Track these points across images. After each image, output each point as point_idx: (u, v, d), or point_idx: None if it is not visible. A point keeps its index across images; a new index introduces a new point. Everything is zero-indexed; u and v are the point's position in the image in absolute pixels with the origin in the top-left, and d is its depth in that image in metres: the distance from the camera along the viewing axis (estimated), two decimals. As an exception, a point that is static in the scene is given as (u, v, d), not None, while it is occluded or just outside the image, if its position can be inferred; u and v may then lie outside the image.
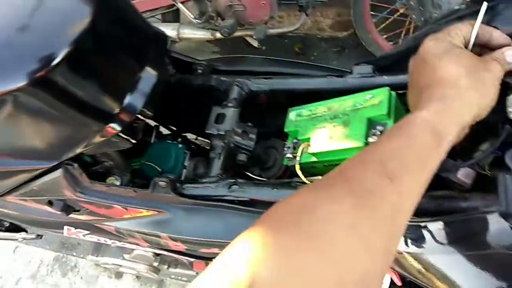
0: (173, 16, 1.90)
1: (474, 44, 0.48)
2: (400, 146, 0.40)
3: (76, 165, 0.60)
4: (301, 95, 0.71)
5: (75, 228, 0.77)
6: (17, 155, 0.58)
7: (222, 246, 0.65)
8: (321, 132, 0.63)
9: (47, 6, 0.50)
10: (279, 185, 0.61)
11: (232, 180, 0.63)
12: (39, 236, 1.04)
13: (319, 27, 2.08)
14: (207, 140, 0.77)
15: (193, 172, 0.79)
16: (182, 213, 0.64)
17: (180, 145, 0.82)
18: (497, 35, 0.48)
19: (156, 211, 0.64)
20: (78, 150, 0.56)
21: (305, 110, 0.68)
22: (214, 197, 0.63)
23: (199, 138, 0.88)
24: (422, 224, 0.49)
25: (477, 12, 0.55)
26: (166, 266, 1.08)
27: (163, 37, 0.59)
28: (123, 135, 0.55)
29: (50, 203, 0.66)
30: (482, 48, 0.49)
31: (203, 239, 0.64)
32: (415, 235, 0.50)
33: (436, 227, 0.48)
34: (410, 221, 0.44)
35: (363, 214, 0.35)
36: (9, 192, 0.66)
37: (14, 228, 0.97)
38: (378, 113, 0.59)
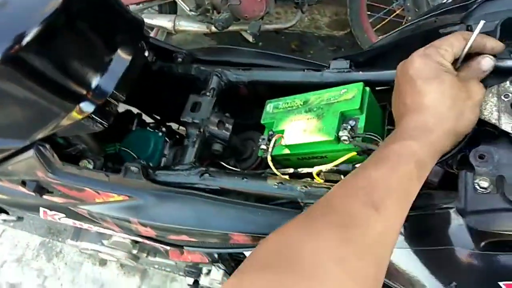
0: (170, 7, 1.90)
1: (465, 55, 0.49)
2: (386, 175, 0.41)
3: (48, 145, 0.60)
4: (281, 88, 0.71)
5: (51, 210, 0.78)
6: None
7: (191, 233, 0.65)
8: (295, 125, 0.64)
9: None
10: (249, 175, 0.62)
11: (204, 169, 0.63)
12: (20, 218, 1.04)
13: (316, 25, 2.08)
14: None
15: (172, 161, 0.79)
16: (153, 199, 0.64)
17: (160, 134, 0.82)
18: (490, 46, 0.49)
19: (127, 196, 0.64)
20: (50, 130, 0.56)
21: (282, 103, 0.69)
22: (185, 185, 0.63)
23: (181, 127, 0.88)
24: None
25: (465, 8, 0.55)
26: (145, 254, 1.08)
27: (138, 22, 0.59)
28: (94, 118, 0.55)
29: (23, 184, 0.67)
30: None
31: (173, 226, 0.64)
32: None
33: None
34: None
35: (350, 247, 0.36)
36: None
37: (-6, 209, 0.98)
38: (351, 107, 0.59)
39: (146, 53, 0.72)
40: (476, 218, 0.42)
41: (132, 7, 1.80)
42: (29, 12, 0.49)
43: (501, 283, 0.42)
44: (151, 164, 0.73)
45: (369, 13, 1.77)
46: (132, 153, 0.73)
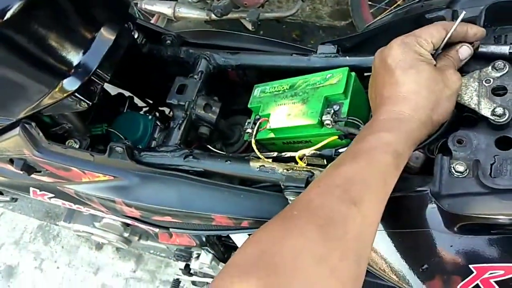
0: (171, -6, 1.89)
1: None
2: (363, 169, 0.42)
3: (33, 123, 0.61)
4: (269, 72, 0.71)
5: (40, 190, 0.78)
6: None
7: (175, 214, 0.66)
8: (281, 109, 0.64)
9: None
10: (233, 158, 0.62)
11: (188, 151, 0.63)
12: (14, 199, 1.06)
13: (317, 15, 2.06)
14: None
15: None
16: (137, 180, 0.64)
17: (150, 117, 0.82)
18: (472, 33, 0.48)
19: (112, 176, 0.65)
20: (33, 108, 0.56)
21: (269, 87, 0.68)
22: (169, 166, 0.64)
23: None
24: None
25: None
26: (137, 238, 1.09)
27: (124, 2, 0.59)
28: (78, 96, 0.56)
29: (11, 161, 0.67)
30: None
31: (157, 207, 0.64)
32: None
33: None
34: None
35: (331, 244, 0.36)
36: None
37: (-12, 190, 0.99)
38: (335, 92, 0.59)
39: (136, 35, 0.72)
40: (449, 202, 0.42)
41: (133, -7, 1.79)
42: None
43: (471, 266, 0.42)
44: (140, 147, 0.74)
45: (370, 3, 1.75)
46: (119, 135, 0.73)
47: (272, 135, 0.64)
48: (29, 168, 0.68)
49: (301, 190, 0.53)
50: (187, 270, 1.10)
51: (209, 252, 0.97)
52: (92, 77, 0.55)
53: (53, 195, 0.79)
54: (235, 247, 0.95)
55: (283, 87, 0.67)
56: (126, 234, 1.05)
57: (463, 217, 0.42)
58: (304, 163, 0.60)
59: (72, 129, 0.65)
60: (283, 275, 0.34)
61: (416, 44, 0.47)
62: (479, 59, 0.50)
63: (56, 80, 0.53)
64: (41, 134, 0.61)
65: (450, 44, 0.49)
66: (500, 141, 0.44)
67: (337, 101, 0.60)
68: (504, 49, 0.48)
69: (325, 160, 0.59)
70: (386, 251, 0.48)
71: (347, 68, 0.61)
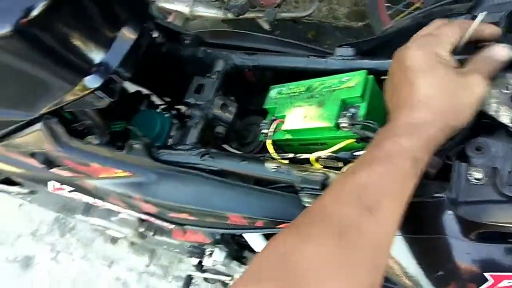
0: (189, -8, 1.90)
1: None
2: (380, 174, 0.40)
3: (56, 119, 0.62)
4: (285, 74, 0.71)
5: (60, 184, 0.80)
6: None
7: (191, 212, 0.67)
8: (297, 111, 0.64)
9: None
10: (248, 158, 0.62)
11: (205, 150, 0.64)
12: (32, 192, 1.08)
13: (334, 16, 2.05)
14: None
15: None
16: (154, 176, 0.65)
17: (167, 115, 0.84)
18: (488, 32, 0.47)
19: (130, 172, 0.66)
20: (55, 104, 0.58)
21: (286, 88, 0.69)
22: (186, 164, 0.65)
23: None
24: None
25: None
26: (151, 233, 1.10)
27: (144, 2, 0.60)
28: (99, 94, 0.57)
29: (32, 155, 0.69)
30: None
31: (173, 204, 0.66)
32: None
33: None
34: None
35: (347, 252, 0.36)
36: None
37: (9, 181, 1.02)
38: (352, 95, 0.59)
39: (155, 34, 0.73)
40: (466, 209, 0.42)
41: (151, -9, 1.81)
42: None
43: (487, 274, 0.42)
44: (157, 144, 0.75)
45: (388, 4, 1.73)
46: (138, 132, 0.75)
47: (288, 136, 0.65)
48: (50, 162, 0.70)
49: (316, 192, 0.53)
50: (199, 266, 1.11)
51: (223, 250, 0.98)
52: (113, 75, 0.56)
53: (72, 189, 0.81)
54: (247, 246, 0.96)
55: (299, 89, 0.67)
56: (141, 229, 1.06)
57: (480, 224, 0.41)
58: (320, 165, 0.60)
59: (92, 126, 0.66)
60: (299, 284, 0.34)
61: (435, 44, 0.45)
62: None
63: (78, 77, 0.54)
64: (63, 129, 0.63)
65: (472, 45, 0.48)
66: (518, 149, 0.43)
67: (354, 104, 0.60)
68: None
69: (341, 163, 0.59)
70: (400, 255, 0.48)
71: (365, 71, 0.60)
